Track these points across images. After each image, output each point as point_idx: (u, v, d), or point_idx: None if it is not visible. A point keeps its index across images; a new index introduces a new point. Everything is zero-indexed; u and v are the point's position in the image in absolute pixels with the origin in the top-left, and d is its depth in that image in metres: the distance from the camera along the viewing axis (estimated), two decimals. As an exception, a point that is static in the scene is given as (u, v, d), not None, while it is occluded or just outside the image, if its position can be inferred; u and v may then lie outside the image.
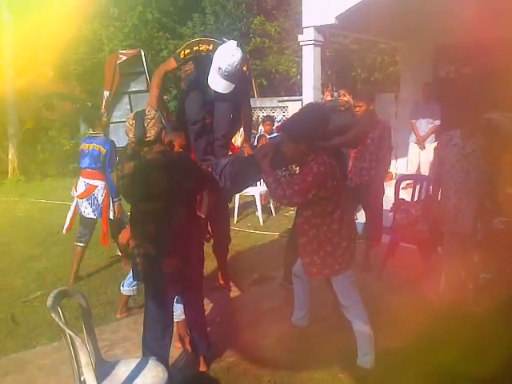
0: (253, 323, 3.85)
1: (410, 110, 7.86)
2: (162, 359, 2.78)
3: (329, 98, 7.92)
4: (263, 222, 6.86)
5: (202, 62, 3.61)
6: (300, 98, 8.54)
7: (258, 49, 13.57)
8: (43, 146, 12.13)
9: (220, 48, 3.44)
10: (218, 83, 3.48)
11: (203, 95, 3.85)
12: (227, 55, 3.38)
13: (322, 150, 2.98)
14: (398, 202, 4.65)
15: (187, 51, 3.61)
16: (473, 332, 2.90)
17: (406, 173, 7.58)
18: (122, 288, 3.99)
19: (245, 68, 3.65)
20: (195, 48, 3.57)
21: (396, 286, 4.24)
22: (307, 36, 6.37)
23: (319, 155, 2.97)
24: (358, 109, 4.60)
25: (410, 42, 8.31)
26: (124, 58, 11.52)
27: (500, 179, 2.45)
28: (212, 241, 4.24)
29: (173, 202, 2.76)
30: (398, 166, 8.84)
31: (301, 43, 6.52)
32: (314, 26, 6.29)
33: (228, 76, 3.43)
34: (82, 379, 2.35)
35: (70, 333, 2.21)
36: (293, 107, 10.10)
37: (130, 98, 11.36)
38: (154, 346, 2.89)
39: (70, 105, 14.38)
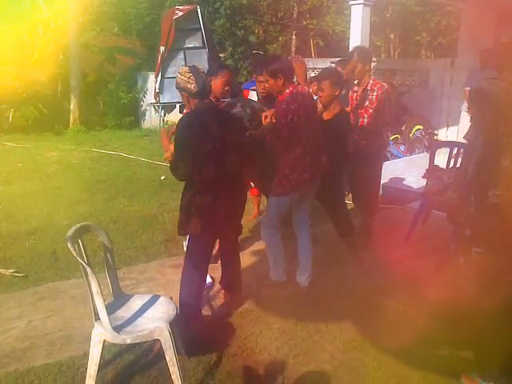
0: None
1: (466, 77, 7.51)
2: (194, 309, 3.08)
3: None
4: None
5: None
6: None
7: (315, 8, 13.23)
8: (103, 99, 12.57)
9: None
10: None
11: None
12: None
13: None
14: (432, 168, 4.58)
15: None
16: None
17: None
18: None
19: None
20: None
21: (418, 253, 4.26)
22: (357, -5, 6.20)
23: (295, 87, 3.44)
24: (356, 70, 4.37)
25: (472, 2, 7.85)
26: (180, 13, 11.57)
27: (494, 151, 2.36)
28: None
29: (225, 146, 2.90)
30: (448, 135, 8.56)
31: (350, 2, 6.35)
32: (365, -15, 6.11)
33: None
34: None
35: (83, 263, 2.43)
36: (345, 69, 9.88)
37: (185, 54, 11.50)
38: (188, 299, 3.11)
39: (132, 59, 14.73)
